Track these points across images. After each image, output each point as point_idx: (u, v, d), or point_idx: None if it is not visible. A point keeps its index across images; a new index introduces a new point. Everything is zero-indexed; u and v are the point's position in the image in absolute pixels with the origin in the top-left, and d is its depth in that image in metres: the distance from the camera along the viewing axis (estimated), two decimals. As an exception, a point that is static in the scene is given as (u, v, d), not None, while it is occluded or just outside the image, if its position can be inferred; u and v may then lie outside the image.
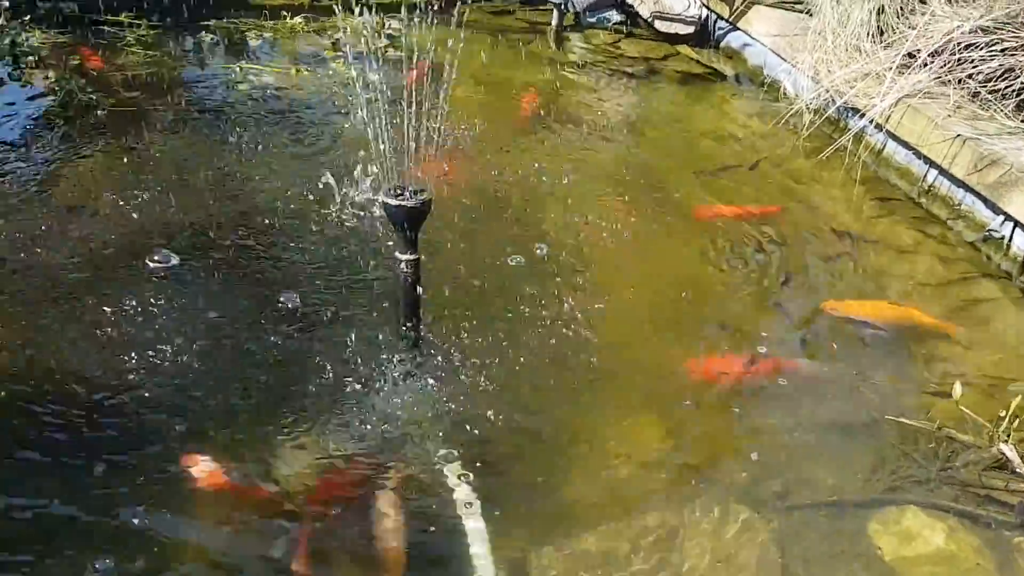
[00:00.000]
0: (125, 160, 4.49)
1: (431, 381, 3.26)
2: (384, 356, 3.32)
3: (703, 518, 2.88)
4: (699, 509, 2.91)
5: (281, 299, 3.60)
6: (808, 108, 5.15)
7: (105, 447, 2.95)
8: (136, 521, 2.71)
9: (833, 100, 5.02)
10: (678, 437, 3.21)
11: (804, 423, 3.27)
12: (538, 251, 3.99)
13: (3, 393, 3.08)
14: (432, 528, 2.80)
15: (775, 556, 2.76)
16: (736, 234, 4.28)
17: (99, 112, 4.88)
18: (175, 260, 3.76)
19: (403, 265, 3.13)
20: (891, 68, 4.80)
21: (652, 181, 4.70)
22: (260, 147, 4.69)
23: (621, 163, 4.87)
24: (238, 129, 4.86)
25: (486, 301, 3.66)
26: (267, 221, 4.08)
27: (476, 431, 3.11)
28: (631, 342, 3.63)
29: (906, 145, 4.75)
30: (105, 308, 3.47)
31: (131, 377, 3.20)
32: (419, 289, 3.19)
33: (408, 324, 3.28)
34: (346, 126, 4.87)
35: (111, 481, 2.84)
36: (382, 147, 3.20)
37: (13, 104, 4.96)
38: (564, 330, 3.55)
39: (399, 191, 2.98)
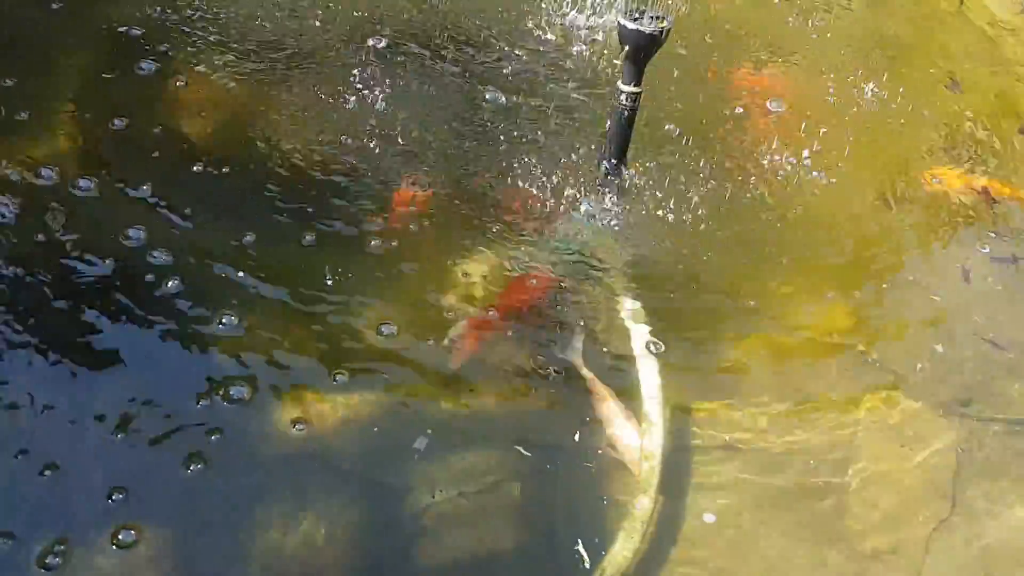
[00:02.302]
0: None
1: (622, 216, 3.22)
2: (582, 184, 3.29)
3: (876, 408, 2.81)
4: (873, 398, 2.84)
5: (486, 97, 3.64)
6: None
7: (318, 214, 3.13)
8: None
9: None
10: (862, 320, 3.11)
11: (1005, 332, 3.08)
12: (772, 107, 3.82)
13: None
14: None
15: (951, 462, 2.68)
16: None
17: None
18: (384, 42, 3.83)
19: (623, 97, 3.02)
20: None
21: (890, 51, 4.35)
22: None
23: (859, 27, 4.50)
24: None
25: (697, 147, 3.53)
26: (488, 30, 4.04)
27: (658, 277, 3.09)
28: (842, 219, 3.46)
29: None
30: (324, 84, 3.59)
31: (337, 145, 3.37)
32: (632, 125, 3.10)
33: (613, 160, 3.22)
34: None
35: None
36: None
37: None
38: (771, 191, 3.43)
39: (638, 14, 2.83)
